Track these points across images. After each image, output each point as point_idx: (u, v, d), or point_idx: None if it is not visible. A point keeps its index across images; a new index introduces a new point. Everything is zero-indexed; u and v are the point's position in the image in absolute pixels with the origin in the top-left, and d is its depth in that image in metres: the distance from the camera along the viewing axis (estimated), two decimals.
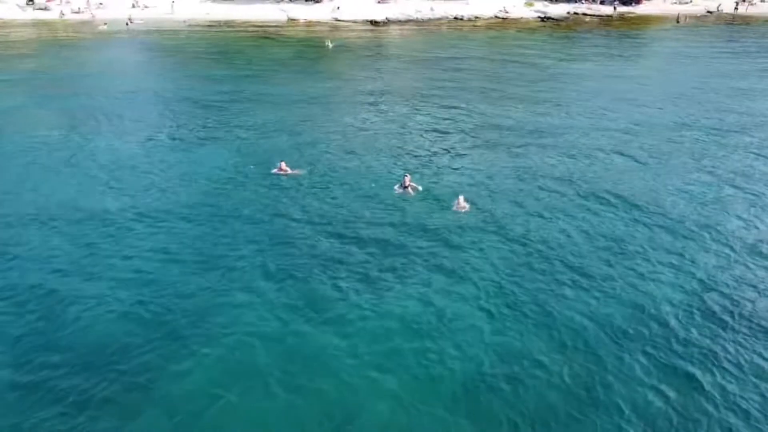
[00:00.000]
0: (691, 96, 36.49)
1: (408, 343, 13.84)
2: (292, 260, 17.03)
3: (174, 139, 27.16)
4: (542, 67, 44.94)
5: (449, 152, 25.57)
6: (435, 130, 28.62)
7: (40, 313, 14.65)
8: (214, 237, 18.23)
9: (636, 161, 24.83)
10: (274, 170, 22.27)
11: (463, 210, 19.42)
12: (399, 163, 23.98)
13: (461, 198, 19.66)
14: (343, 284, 15.96)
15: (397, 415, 11.98)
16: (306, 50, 51.35)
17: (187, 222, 19.17)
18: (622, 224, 19.23)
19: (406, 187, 21.12)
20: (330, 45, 52.07)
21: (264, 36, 58.72)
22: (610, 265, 16.99)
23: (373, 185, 21.75)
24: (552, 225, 19.15)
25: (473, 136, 27.79)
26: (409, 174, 21.65)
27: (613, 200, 20.93)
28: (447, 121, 30.08)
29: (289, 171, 22.23)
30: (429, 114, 31.47)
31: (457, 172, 23.27)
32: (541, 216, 19.66)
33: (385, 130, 28.48)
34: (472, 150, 25.87)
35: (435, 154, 25.28)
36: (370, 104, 33.45)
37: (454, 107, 32.76)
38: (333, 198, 20.81)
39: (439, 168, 23.64)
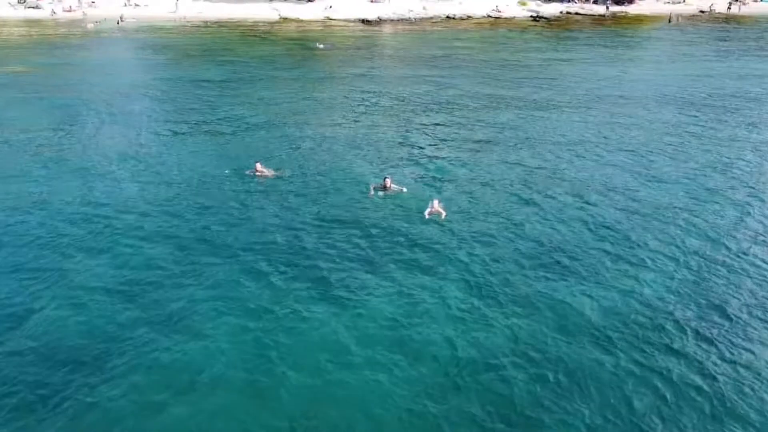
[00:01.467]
0: (684, 96, 35.45)
1: (381, 352, 12.87)
2: (262, 265, 16.00)
3: (149, 139, 26.06)
4: (534, 67, 43.87)
5: (435, 154, 24.48)
6: (422, 131, 27.52)
7: None
8: (181, 242, 17.12)
9: (628, 163, 23.75)
10: (249, 171, 21.12)
11: (438, 214, 18.22)
12: (382, 165, 22.87)
13: (436, 201, 18.48)
14: (313, 289, 14.98)
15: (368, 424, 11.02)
16: (296, 50, 50.20)
17: (152, 224, 18.12)
18: (611, 228, 18.15)
19: (386, 189, 20.02)
20: (320, 46, 50.75)
21: (254, 35, 57.61)
22: (600, 264, 15.97)
23: (353, 187, 20.65)
24: (537, 227, 18.10)
25: (461, 138, 26.70)
26: (390, 176, 20.51)
27: (600, 202, 19.86)
28: (435, 123, 28.99)
29: (265, 172, 21.09)
30: (416, 115, 30.36)
31: (442, 174, 22.18)
32: (525, 220, 18.58)
33: (370, 132, 27.37)
34: (458, 152, 24.78)
35: (420, 155, 24.19)
36: (357, 105, 32.32)
37: (443, 108, 31.66)
38: (308, 200, 19.73)
39: (423, 170, 22.56)
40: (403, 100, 33.16)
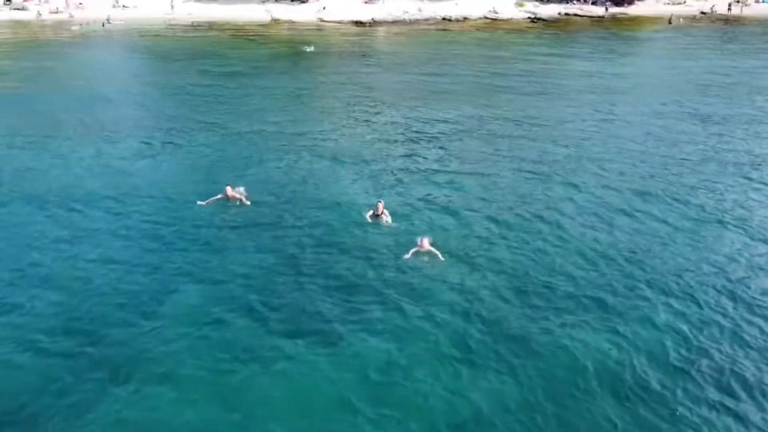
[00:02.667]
0: (688, 100, 33.19)
1: (360, 399, 11.15)
2: (231, 300, 13.95)
3: (114, 155, 23.66)
4: (534, 73, 41.46)
5: (430, 170, 22.10)
6: (416, 145, 25.12)
7: None
8: (142, 271, 14.91)
9: (637, 182, 21.40)
10: (219, 196, 18.64)
11: (428, 252, 15.77)
12: (371, 184, 20.44)
13: (425, 241, 16.00)
14: (287, 327, 13.08)
15: None
16: (284, 53, 47.73)
17: (109, 248, 15.94)
18: (615, 261, 15.87)
19: (378, 215, 17.61)
20: (310, 49, 47.95)
21: (244, 37, 55.10)
22: (606, 303, 13.73)
23: (338, 212, 18.31)
24: (536, 260, 15.89)
25: (457, 152, 24.37)
26: (382, 201, 18.07)
27: (602, 227, 17.59)
28: (430, 136, 26.57)
29: (237, 196, 18.64)
30: (409, 127, 27.87)
31: (436, 195, 19.82)
32: (525, 252, 16.25)
33: (358, 145, 24.99)
34: (454, 168, 22.44)
35: (413, 175, 21.72)
36: (345, 114, 29.91)
37: (439, 119, 29.18)
38: (286, 228, 17.40)
39: (418, 190, 20.13)
40: (395, 110, 30.77)
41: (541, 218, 18.23)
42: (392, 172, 21.97)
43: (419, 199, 19.52)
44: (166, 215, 18.04)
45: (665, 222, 18.23)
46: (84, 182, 20.69)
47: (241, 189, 18.95)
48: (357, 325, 13.18)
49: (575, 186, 20.85)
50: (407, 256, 15.79)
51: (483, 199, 19.60)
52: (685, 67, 43.67)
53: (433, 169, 22.35)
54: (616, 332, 13.05)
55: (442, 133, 26.87)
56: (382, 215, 17.69)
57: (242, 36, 55.60)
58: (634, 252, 16.36)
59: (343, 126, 27.78)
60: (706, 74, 41.06)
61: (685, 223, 18.23)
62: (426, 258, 15.71)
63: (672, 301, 14.19)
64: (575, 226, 17.83)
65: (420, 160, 23.36)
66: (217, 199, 18.53)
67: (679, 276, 15.25)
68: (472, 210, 18.77)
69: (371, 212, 17.81)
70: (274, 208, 18.64)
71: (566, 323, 13.31)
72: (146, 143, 24.97)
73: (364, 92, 34.45)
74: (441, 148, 24.86)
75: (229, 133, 26.36)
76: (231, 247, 16.32)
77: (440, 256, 15.70)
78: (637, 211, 18.92)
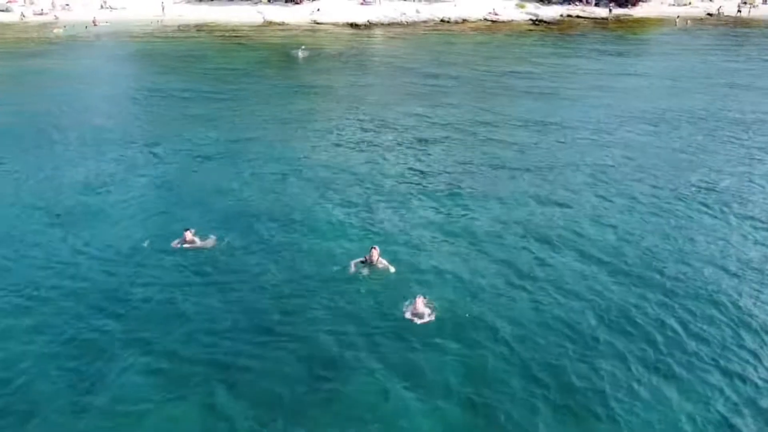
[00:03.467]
0: (701, 111, 30.34)
1: None
2: (189, 370, 11.53)
3: (68, 173, 20.81)
4: (538, 78, 38.54)
5: (431, 201, 19.21)
6: (415, 168, 22.19)
7: None
8: (87, 333, 12.23)
9: (655, 210, 18.61)
10: (176, 242, 15.74)
11: (420, 317, 12.96)
12: (362, 225, 17.52)
13: (420, 301, 13.24)
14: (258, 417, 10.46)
15: None
16: (274, 58, 44.74)
17: (50, 306, 13.40)
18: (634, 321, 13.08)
19: (372, 263, 14.76)
20: (300, 54, 44.74)
21: (233, 41, 52.11)
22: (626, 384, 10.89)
23: (323, 258, 15.47)
24: (550, 321, 13.18)
25: (463, 176, 21.49)
26: (377, 247, 15.17)
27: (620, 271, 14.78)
28: (429, 156, 23.77)
29: (198, 243, 15.75)
30: (407, 146, 25.00)
31: (437, 233, 17.00)
32: (537, 314, 13.45)
33: (350, 169, 22.00)
34: (460, 196, 19.64)
35: (413, 205, 18.86)
36: (335, 129, 27.01)
37: (437, 133, 26.43)
38: (257, 280, 14.60)
39: (419, 228, 17.27)
40: (390, 125, 27.83)
41: (565, 263, 15.38)
42: (389, 201, 19.16)
43: (420, 236, 16.68)
44: (111, 266, 15.12)
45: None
46: (24, 206, 17.83)
47: (207, 236, 16.10)
48: (338, 419, 10.43)
49: (600, 222, 17.97)
50: (408, 315, 13.17)
51: (496, 236, 16.77)
52: (700, 71, 40.79)
53: (435, 195, 19.62)
54: None
55: (445, 151, 24.10)
56: (377, 264, 14.82)
57: (231, 39, 52.62)
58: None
59: (334, 144, 24.92)
60: (721, 78, 38.30)
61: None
62: (419, 320, 12.91)
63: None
64: (610, 274, 14.97)
65: (420, 184, 20.63)
66: (174, 245, 15.64)
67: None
68: (484, 252, 15.99)
69: (363, 260, 14.97)
70: (245, 253, 15.80)
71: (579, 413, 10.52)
72: (104, 163, 22.14)
73: (357, 103, 31.54)
74: (444, 170, 22.05)
75: (202, 154, 23.52)
76: (185, 309, 13.46)
77: (429, 316, 13.00)
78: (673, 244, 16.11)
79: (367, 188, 20.14)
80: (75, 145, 24.35)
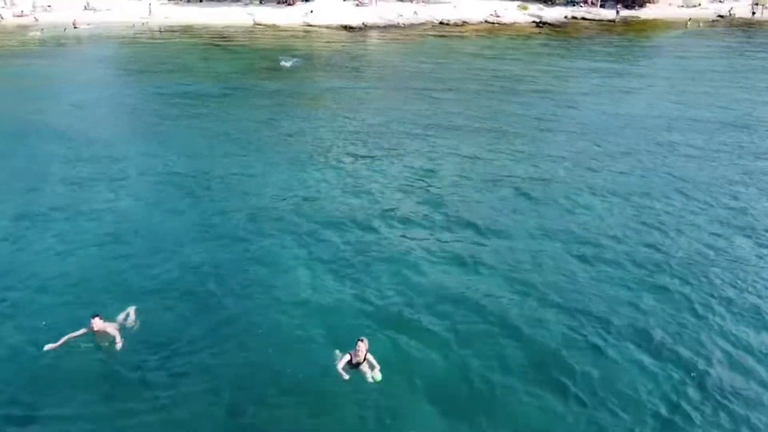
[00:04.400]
0: (721, 121, 26.47)
1: None
2: None
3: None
4: (547, 89, 34.66)
5: (437, 271, 15.30)
6: (413, 218, 18.12)
7: None
8: None
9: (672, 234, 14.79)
10: (82, 331, 11.82)
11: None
12: (349, 295, 13.65)
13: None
14: None
15: None
16: (260, 66, 40.72)
17: None
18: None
19: (358, 364, 10.95)
20: (287, 64, 40.25)
21: (218, 45, 48.23)
22: None
23: (292, 351, 11.91)
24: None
25: (470, 220, 17.68)
26: (365, 339, 11.36)
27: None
28: (427, 187, 20.15)
29: (109, 330, 11.85)
30: (401, 181, 20.94)
31: (449, 321, 13.09)
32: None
33: (333, 216, 17.98)
34: (467, 249, 15.99)
35: (416, 273, 14.92)
36: (316, 163, 22.77)
37: (433, 167, 22.10)
38: (197, 389, 10.68)
39: (421, 314, 13.31)
40: (384, 151, 23.95)
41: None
42: (385, 259, 15.23)
43: (427, 318, 12.81)
44: None
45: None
46: None
47: (126, 316, 12.24)
48: None
49: (624, 275, 14.14)
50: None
51: (521, 318, 13.01)
52: (724, 81, 36.69)
53: (446, 254, 15.70)
54: None
55: (451, 193, 19.96)
56: (365, 362, 11.15)
57: (215, 43, 48.71)
58: None
59: (318, 179, 20.79)
60: (743, 83, 34.32)
61: None
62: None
63: None
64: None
65: (426, 238, 16.66)
66: (77, 337, 11.71)
67: None
68: (503, 335, 12.33)
69: (348, 358, 11.26)
70: (182, 347, 11.86)
71: None
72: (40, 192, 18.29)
73: (347, 124, 27.53)
74: (446, 214, 18.09)
75: (154, 194, 19.55)
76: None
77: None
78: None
79: (358, 240, 16.25)
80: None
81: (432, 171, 21.37)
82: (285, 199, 18.72)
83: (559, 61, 42.75)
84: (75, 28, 53.65)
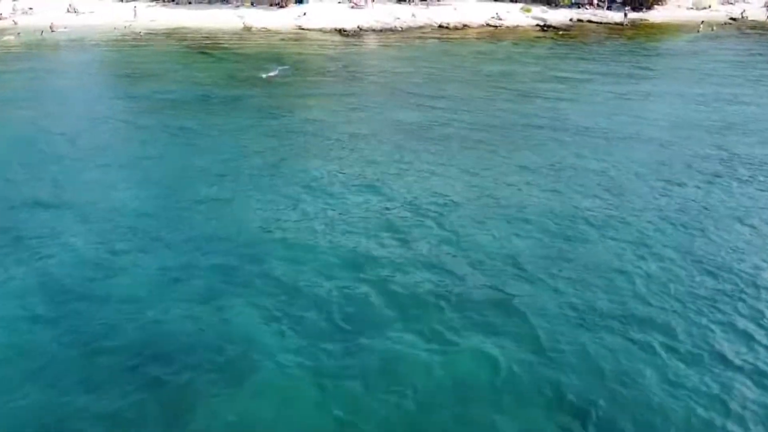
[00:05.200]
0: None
1: None
2: None
3: None
4: (558, 102, 30.79)
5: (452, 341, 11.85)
6: (415, 270, 14.66)
7: None
8: None
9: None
10: None
11: None
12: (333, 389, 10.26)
13: None
14: None
15: None
16: (244, 74, 36.88)
17: None
18: None
19: None
20: (271, 74, 35.81)
21: (203, 50, 44.42)
22: None
23: None
24: None
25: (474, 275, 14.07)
26: None
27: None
28: (426, 236, 16.32)
29: None
30: (398, 222, 17.30)
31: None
32: None
33: (322, 263, 14.59)
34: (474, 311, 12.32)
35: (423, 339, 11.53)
36: (298, 196, 19.14)
37: (431, 208, 18.52)
38: None
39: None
40: (377, 183, 20.22)
41: None
42: (378, 329, 11.66)
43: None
44: None
45: None
46: None
47: None
48: None
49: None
50: None
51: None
52: (749, 87, 32.98)
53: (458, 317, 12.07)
54: None
55: (460, 238, 16.33)
56: None
57: (199, 49, 44.89)
58: None
59: (299, 220, 17.18)
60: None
61: None
62: None
63: None
64: None
65: (435, 294, 13.09)
66: None
67: None
68: None
69: None
70: None
71: None
72: None
73: (335, 148, 23.81)
74: (446, 269, 14.45)
75: (103, 245, 15.83)
76: None
77: None
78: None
79: (351, 304, 12.66)
80: None
81: (441, 206, 17.68)
82: (264, 236, 15.10)
83: (570, 68, 38.97)
84: (52, 31, 49.90)
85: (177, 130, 25.20)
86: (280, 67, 37.24)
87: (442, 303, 13.01)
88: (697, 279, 14.14)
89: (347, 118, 27.51)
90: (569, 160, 21.90)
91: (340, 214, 17.26)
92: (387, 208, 17.59)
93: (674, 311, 12.81)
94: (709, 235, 16.22)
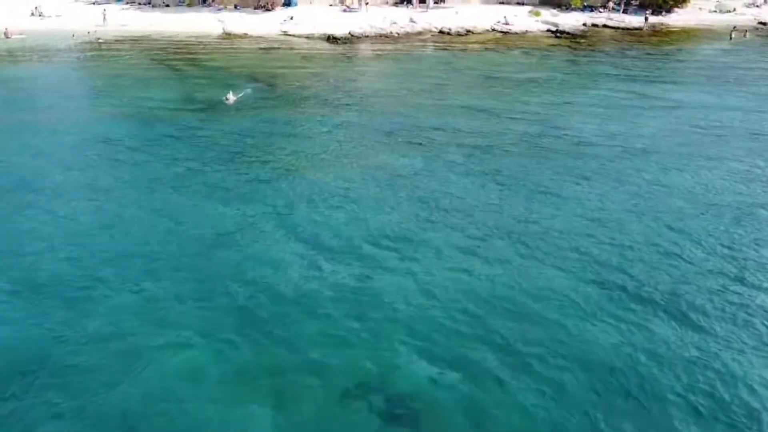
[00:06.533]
0: None
1: None
2: None
3: None
4: (580, 129, 24.14)
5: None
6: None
7: None
8: None
9: None
10: None
11: None
12: None
13: None
14: None
15: None
16: (201, 95, 30.04)
17: None
18: None
19: None
20: (232, 98, 28.27)
21: (167, 61, 37.68)
22: None
23: None
24: None
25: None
26: None
27: None
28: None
29: None
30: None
31: None
32: None
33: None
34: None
35: None
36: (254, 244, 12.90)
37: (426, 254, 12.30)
38: None
39: None
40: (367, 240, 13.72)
41: None
42: None
43: None
44: None
45: None
46: None
47: None
48: None
49: None
50: None
51: None
52: None
53: None
54: None
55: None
56: None
57: (164, 61, 38.14)
58: None
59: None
60: None
61: None
62: None
63: None
64: None
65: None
66: None
67: None
68: None
69: None
70: None
71: None
72: None
73: (313, 189, 17.18)
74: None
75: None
76: None
77: None
78: None
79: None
80: None
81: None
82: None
83: (601, 90, 31.79)
84: (7, 38, 43.21)
85: (108, 165, 18.62)
86: (248, 86, 30.44)
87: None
88: None
89: (320, 169, 20.69)
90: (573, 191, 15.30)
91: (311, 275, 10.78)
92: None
93: None
94: None
